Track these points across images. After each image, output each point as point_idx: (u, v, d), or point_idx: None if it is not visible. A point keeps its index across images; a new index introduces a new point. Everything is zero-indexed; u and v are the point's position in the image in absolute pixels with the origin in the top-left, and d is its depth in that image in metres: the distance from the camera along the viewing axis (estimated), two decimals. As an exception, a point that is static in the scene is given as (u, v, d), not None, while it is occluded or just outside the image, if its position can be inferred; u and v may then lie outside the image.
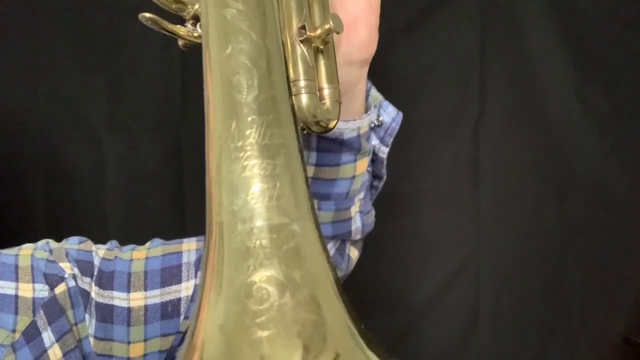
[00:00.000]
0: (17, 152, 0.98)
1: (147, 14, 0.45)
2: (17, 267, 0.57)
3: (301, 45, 0.44)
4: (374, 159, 0.61)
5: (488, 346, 1.03)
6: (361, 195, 0.61)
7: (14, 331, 0.55)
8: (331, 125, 0.45)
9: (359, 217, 0.61)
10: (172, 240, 0.62)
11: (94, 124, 0.98)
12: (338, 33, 0.45)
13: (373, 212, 0.64)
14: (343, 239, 0.62)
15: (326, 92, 0.46)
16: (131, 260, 0.60)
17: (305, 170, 0.35)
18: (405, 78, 0.99)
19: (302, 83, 0.43)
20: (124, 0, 0.96)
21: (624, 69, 1.01)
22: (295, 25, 0.44)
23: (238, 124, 0.34)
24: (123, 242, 0.65)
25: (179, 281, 0.59)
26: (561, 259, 1.03)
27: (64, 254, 0.59)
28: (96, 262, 0.59)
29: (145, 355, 0.59)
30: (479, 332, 1.03)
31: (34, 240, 0.62)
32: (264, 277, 0.30)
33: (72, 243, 0.61)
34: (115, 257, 0.60)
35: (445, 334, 1.04)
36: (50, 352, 0.56)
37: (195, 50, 1.03)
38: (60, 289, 0.57)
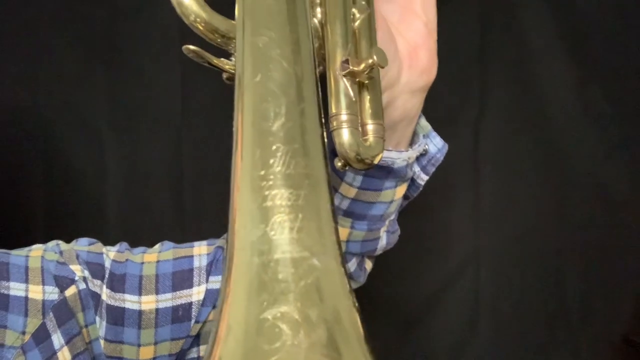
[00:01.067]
0: (17, 152, 0.98)
1: (192, 47, 0.44)
2: (27, 268, 0.57)
3: (344, 79, 0.43)
4: (411, 185, 0.61)
5: (488, 346, 1.03)
6: (392, 217, 0.61)
7: (23, 333, 0.55)
8: (374, 162, 0.44)
9: (386, 236, 0.62)
10: (183, 244, 0.63)
11: (94, 124, 0.98)
12: (382, 67, 0.44)
13: (398, 232, 0.64)
14: (367, 255, 0.63)
15: (370, 127, 0.45)
16: (142, 263, 0.60)
17: (332, 203, 0.34)
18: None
19: (343, 117, 0.42)
20: (124, 0, 0.96)
21: (624, 69, 1.01)
22: (339, 59, 0.44)
23: (262, 152, 0.33)
24: (123, 242, 0.65)
25: (191, 285, 0.59)
26: (561, 258, 1.03)
27: (74, 256, 0.59)
28: (107, 264, 0.60)
29: (155, 358, 0.59)
30: (479, 332, 1.03)
31: (34, 240, 0.62)
32: (277, 313, 0.29)
33: (82, 245, 0.62)
34: (127, 259, 0.60)
35: (445, 333, 1.04)
36: (59, 354, 0.56)
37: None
38: (70, 291, 0.57)
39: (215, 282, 0.60)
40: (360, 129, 0.44)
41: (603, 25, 1.00)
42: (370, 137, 0.44)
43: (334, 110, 0.43)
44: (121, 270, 0.59)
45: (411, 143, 0.58)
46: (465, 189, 1.02)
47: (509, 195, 1.02)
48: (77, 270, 0.58)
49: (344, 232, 0.59)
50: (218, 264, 0.61)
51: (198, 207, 1.01)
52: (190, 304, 0.59)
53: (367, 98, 0.45)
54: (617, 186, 1.03)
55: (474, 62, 1.00)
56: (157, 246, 0.63)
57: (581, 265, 1.03)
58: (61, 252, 0.59)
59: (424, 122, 0.60)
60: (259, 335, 0.29)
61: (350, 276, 0.63)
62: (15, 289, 0.56)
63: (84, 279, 0.58)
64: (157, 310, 0.58)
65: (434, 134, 0.61)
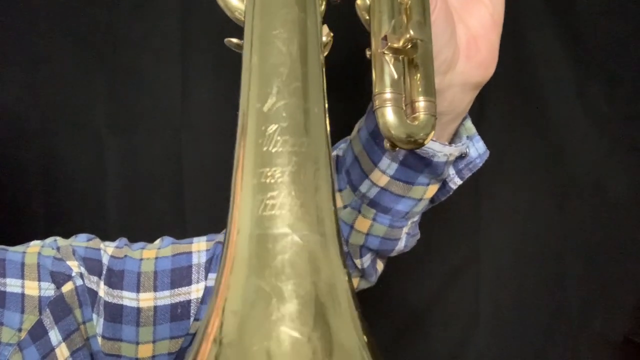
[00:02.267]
0: (17, 152, 0.98)
1: (234, 40, 0.44)
2: (23, 264, 0.57)
3: (385, 56, 0.42)
4: (441, 187, 0.59)
5: (488, 346, 1.03)
6: (416, 218, 0.60)
7: (20, 330, 0.55)
8: (425, 141, 0.42)
9: (405, 239, 0.60)
10: (182, 240, 0.62)
11: (94, 124, 0.98)
12: (422, 41, 0.42)
13: (418, 236, 0.63)
14: (382, 254, 0.62)
15: (421, 104, 0.43)
16: (141, 259, 0.60)
17: (329, 181, 0.34)
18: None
19: (386, 95, 0.41)
20: (124, 0, 0.96)
21: (624, 69, 1.01)
22: (380, 36, 0.43)
23: (255, 133, 0.34)
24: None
25: (189, 283, 0.59)
26: (561, 258, 1.03)
27: (70, 252, 0.59)
28: (104, 260, 0.59)
29: (154, 356, 0.59)
30: (479, 332, 1.03)
31: (33, 239, 0.62)
32: (253, 286, 0.30)
33: (81, 240, 0.61)
34: (125, 255, 0.60)
35: (445, 334, 1.04)
36: (57, 350, 0.56)
37: (195, 51, 1.04)
38: (67, 287, 0.57)
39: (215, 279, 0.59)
40: (409, 106, 0.43)
41: (603, 25, 1.00)
42: (421, 115, 0.43)
43: (376, 89, 0.42)
44: (119, 266, 0.59)
45: (451, 142, 0.56)
46: (465, 188, 1.02)
47: (509, 195, 1.02)
48: (74, 266, 0.57)
49: (364, 224, 0.57)
50: (217, 261, 0.60)
51: (198, 207, 1.01)
52: (189, 301, 0.58)
53: (417, 74, 0.43)
54: (617, 186, 1.03)
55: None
56: (157, 242, 0.63)
57: (581, 265, 1.03)
58: (58, 248, 0.58)
59: (469, 124, 0.58)
60: (245, 304, 0.30)
61: (362, 272, 0.63)
62: (12, 285, 0.55)
63: (81, 275, 0.57)
64: (155, 307, 0.58)
65: (478, 138, 0.58)
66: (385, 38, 0.42)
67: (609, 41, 1.00)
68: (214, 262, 0.60)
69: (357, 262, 0.61)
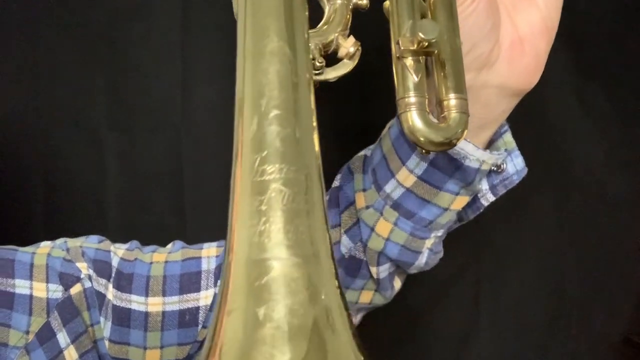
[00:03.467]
0: (17, 152, 0.98)
1: None
2: (32, 265, 0.57)
3: (403, 60, 0.41)
4: (472, 203, 0.57)
5: (488, 346, 1.03)
6: (440, 233, 0.57)
7: (27, 332, 0.54)
8: (458, 141, 0.42)
9: (427, 255, 0.57)
10: (193, 245, 0.61)
11: (94, 124, 0.98)
12: (433, 40, 0.41)
13: (441, 254, 0.60)
14: (400, 266, 0.59)
15: (452, 102, 0.42)
16: (151, 263, 0.59)
17: (321, 204, 0.34)
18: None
19: (409, 100, 0.41)
20: (124, 0, 0.96)
21: (624, 69, 1.01)
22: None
23: (239, 162, 0.34)
24: (123, 242, 0.65)
25: (198, 289, 0.58)
26: (561, 259, 1.03)
27: (80, 253, 0.58)
28: (114, 262, 0.58)
29: None
30: (479, 332, 1.03)
31: (33, 239, 0.62)
32: (228, 311, 0.31)
33: (92, 242, 0.60)
34: (136, 258, 0.59)
35: (445, 334, 1.04)
36: (65, 353, 0.55)
37: (195, 50, 1.03)
38: (75, 289, 0.56)
39: None
40: (439, 106, 0.42)
41: (603, 25, 1.00)
42: (452, 113, 0.42)
43: (399, 95, 0.41)
44: (129, 269, 0.58)
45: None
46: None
47: (509, 194, 1.02)
48: (83, 268, 0.57)
49: (385, 227, 0.55)
50: None
51: (198, 207, 1.01)
52: (198, 308, 0.58)
53: (444, 71, 0.42)
54: (617, 186, 1.03)
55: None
56: (169, 245, 0.62)
57: (581, 265, 1.03)
58: (68, 249, 0.58)
59: (509, 138, 0.55)
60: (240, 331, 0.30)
61: (377, 284, 0.60)
62: (21, 286, 0.55)
63: (89, 277, 0.57)
64: (163, 313, 0.57)
65: (517, 153, 0.56)
66: (398, 42, 0.42)
67: (609, 41, 1.00)
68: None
69: (373, 270, 0.58)
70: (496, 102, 0.49)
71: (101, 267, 0.58)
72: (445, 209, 0.54)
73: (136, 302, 0.57)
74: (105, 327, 0.56)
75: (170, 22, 0.94)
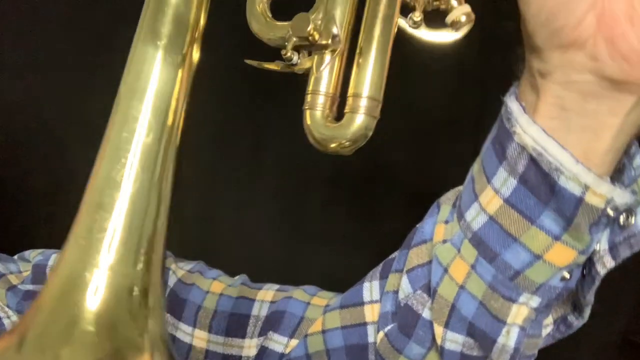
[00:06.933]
0: (18, 153, 0.98)
1: (253, 62, 0.42)
2: None
3: (304, 55, 0.39)
4: (585, 269, 0.42)
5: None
6: (535, 300, 0.41)
7: None
8: (351, 146, 0.38)
9: (516, 333, 0.41)
10: (255, 284, 0.57)
11: (94, 124, 0.98)
12: (303, 37, 0.38)
13: (539, 343, 0.46)
14: (478, 343, 0.43)
15: (358, 102, 0.38)
16: (207, 292, 0.56)
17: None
18: (405, 77, 0.98)
19: (310, 97, 0.39)
20: (124, 0, 0.96)
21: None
22: None
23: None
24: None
25: (243, 335, 0.54)
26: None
27: None
28: (170, 282, 0.56)
29: None
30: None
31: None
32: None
33: None
34: (193, 283, 0.56)
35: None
36: None
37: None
38: None
39: (273, 341, 0.52)
40: (353, 101, 0.39)
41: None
42: (354, 114, 0.38)
43: (307, 89, 0.39)
44: (184, 294, 0.55)
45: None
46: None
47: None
48: None
49: (461, 269, 0.42)
50: (282, 320, 0.52)
51: (198, 207, 1.01)
52: (240, 357, 0.54)
53: (358, 68, 0.39)
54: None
55: (474, 62, 1.00)
56: (235, 278, 0.58)
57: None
58: None
59: None
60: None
61: (440, 353, 0.44)
62: None
63: None
64: (207, 351, 0.54)
65: None
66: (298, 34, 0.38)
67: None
68: (274, 319, 0.53)
69: (438, 331, 0.43)
70: (599, 95, 0.36)
71: None
72: (538, 257, 0.39)
73: (182, 331, 0.54)
74: None
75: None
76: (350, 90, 0.38)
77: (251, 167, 1.03)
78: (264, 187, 1.04)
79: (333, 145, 0.38)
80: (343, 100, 0.39)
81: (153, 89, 0.37)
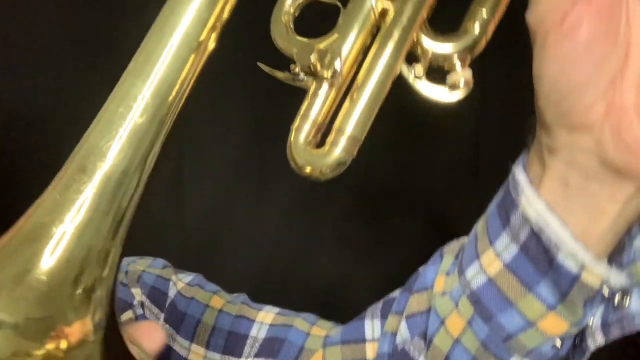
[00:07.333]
0: (17, 152, 0.98)
1: (265, 67, 0.42)
2: None
3: (307, 80, 0.40)
4: (576, 342, 0.43)
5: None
6: None
7: None
8: (306, 170, 0.39)
9: None
10: (255, 304, 0.58)
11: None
12: (299, 64, 0.39)
13: None
14: None
15: (339, 138, 0.39)
16: (207, 306, 0.56)
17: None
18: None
19: (297, 123, 0.40)
20: (124, 0, 0.96)
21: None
22: None
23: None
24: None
25: (240, 355, 0.54)
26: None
27: (136, 278, 0.56)
28: (171, 293, 0.57)
29: None
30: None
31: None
32: None
33: (155, 267, 0.58)
34: (193, 297, 0.57)
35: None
36: None
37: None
38: (126, 316, 0.54)
39: None
40: (336, 134, 0.40)
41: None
42: (332, 148, 0.39)
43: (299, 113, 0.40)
44: (183, 306, 0.55)
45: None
46: (465, 189, 1.02)
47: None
48: (137, 294, 0.55)
49: (457, 324, 0.43)
50: (282, 348, 0.52)
51: (198, 207, 1.01)
52: None
53: (349, 103, 0.40)
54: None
55: (474, 62, 1.00)
56: (234, 295, 0.59)
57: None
58: (127, 272, 0.56)
59: None
60: None
61: None
62: None
63: (142, 305, 0.55)
64: None
65: None
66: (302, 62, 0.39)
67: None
68: (271, 344, 0.53)
69: None
70: (601, 179, 0.37)
71: (157, 296, 0.56)
72: (532, 324, 0.40)
73: (179, 344, 0.54)
74: None
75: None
76: (337, 123, 0.39)
77: (265, 174, 1.03)
78: (277, 194, 1.04)
79: (308, 170, 0.39)
80: (331, 125, 0.40)
81: (159, 73, 0.38)
